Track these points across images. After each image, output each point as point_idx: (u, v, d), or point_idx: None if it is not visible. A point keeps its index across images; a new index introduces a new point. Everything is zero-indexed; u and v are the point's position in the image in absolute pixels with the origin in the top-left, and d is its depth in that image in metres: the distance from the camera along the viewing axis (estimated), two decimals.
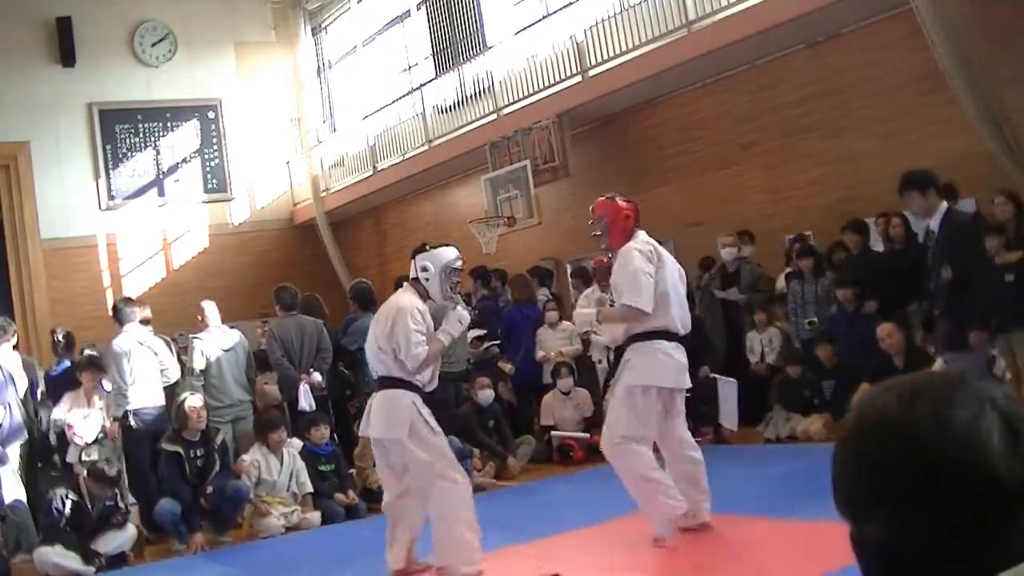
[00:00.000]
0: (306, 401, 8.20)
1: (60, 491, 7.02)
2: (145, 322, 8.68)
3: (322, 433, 7.83)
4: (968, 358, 5.59)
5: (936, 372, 1.04)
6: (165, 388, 8.23)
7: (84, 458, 7.63)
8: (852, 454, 1.00)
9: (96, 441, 7.87)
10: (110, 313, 8.24)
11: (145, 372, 7.90)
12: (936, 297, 5.93)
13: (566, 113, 11.15)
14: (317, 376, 8.32)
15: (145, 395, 7.87)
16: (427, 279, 5.26)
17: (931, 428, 0.94)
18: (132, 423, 7.76)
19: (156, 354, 8.05)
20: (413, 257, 5.42)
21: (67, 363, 8.70)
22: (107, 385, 8.06)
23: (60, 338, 8.90)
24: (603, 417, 6.03)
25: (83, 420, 7.78)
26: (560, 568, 4.80)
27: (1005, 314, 7.32)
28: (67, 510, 6.87)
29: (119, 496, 7.13)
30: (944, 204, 5.73)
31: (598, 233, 5.61)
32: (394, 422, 5.07)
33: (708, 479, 5.40)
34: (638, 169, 11.30)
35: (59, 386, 8.30)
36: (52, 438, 8.10)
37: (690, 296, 9.70)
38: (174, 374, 8.24)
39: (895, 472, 0.94)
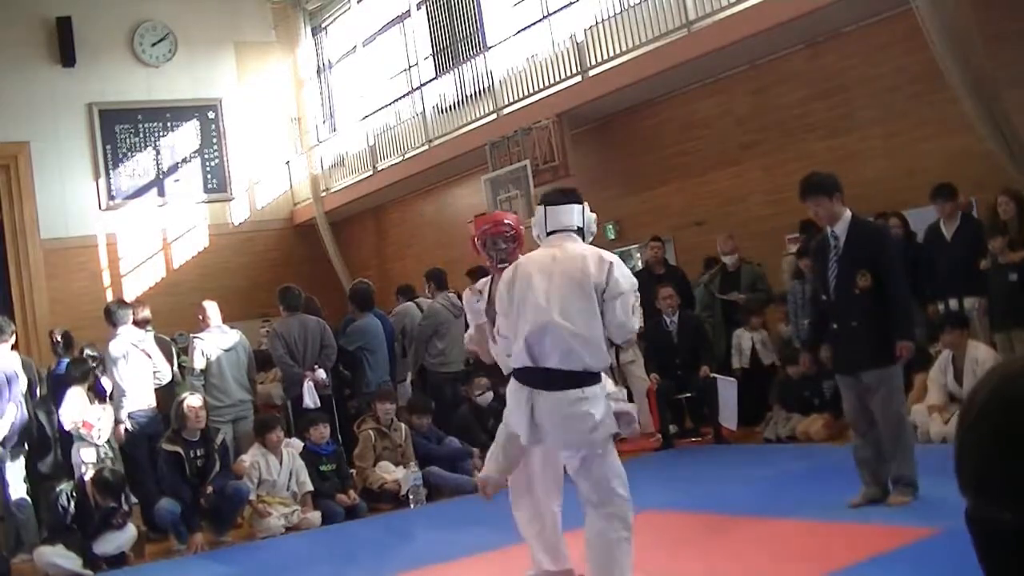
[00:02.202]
0: (311, 398, 8.21)
1: (66, 488, 7.03)
2: (145, 322, 8.68)
3: (322, 433, 7.83)
4: (892, 375, 5.25)
5: None
6: (163, 388, 8.25)
7: (84, 459, 7.62)
8: (989, 432, 0.92)
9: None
10: (103, 315, 8.21)
11: (139, 374, 7.92)
12: (844, 308, 5.41)
13: (566, 113, 11.15)
14: (321, 373, 8.34)
15: (138, 397, 7.88)
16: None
17: None
18: (127, 425, 7.77)
19: (149, 356, 8.06)
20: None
21: (67, 362, 8.72)
22: (106, 384, 8.06)
23: (59, 338, 8.90)
24: None
25: (98, 420, 7.79)
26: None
27: (1008, 313, 7.36)
28: (72, 508, 6.88)
29: (123, 499, 7.13)
30: (848, 212, 5.45)
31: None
32: None
33: (708, 479, 5.39)
34: (638, 169, 11.31)
35: (62, 384, 8.30)
36: (49, 435, 8.10)
37: (690, 296, 9.75)
38: (165, 376, 8.24)
39: (1004, 458, 0.88)
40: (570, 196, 4.20)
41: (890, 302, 5.27)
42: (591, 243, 4.21)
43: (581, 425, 3.83)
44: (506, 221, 4.78)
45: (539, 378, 3.87)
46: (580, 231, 4.12)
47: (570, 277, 3.88)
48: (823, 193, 5.42)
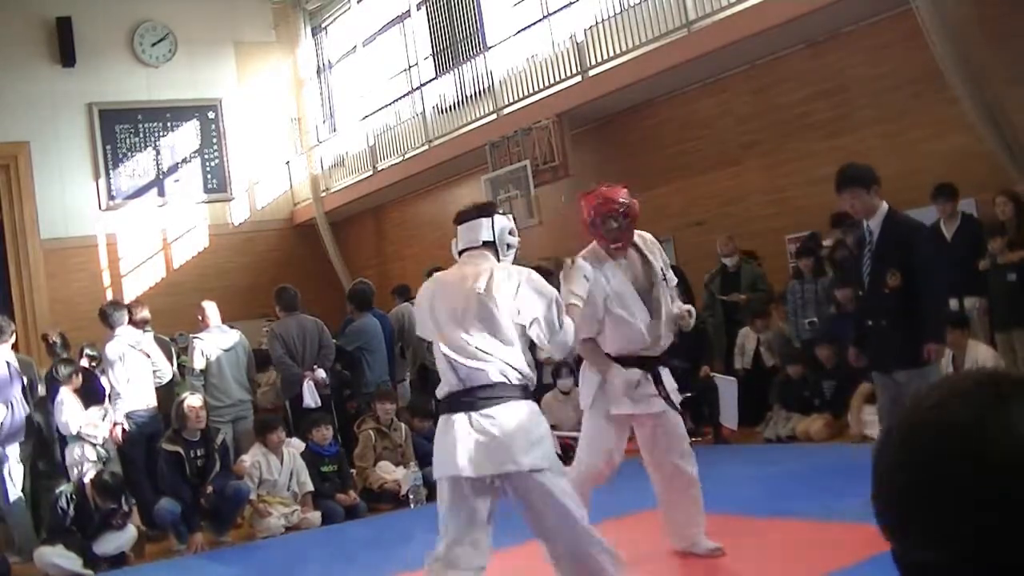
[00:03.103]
0: (311, 398, 8.21)
1: (65, 489, 7.04)
2: (144, 322, 8.68)
3: (324, 434, 7.83)
4: (923, 375, 4.96)
5: (986, 370, 0.91)
6: (163, 388, 8.25)
7: (79, 458, 7.62)
8: (901, 464, 0.86)
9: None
10: (99, 317, 8.21)
11: (138, 374, 7.92)
12: (875, 307, 5.28)
13: (566, 113, 11.15)
14: (321, 373, 8.35)
15: (137, 397, 7.89)
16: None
17: (999, 429, 0.82)
18: (125, 425, 7.78)
19: (148, 356, 8.06)
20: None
21: (55, 362, 8.73)
22: (106, 385, 8.07)
23: (56, 339, 8.89)
24: None
25: (102, 421, 7.80)
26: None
27: (1007, 313, 7.37)
28: (71, 509, 6.88)
29: (123, 500, 7.13)
30: (885, 204, 5.18)
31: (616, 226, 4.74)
32: None
33: (708, 479, 5.38)
34: (638, 169, 11.30)
35: (60, 385, 8.30)
36: (47, 436, 8.09)
37: (691, 296, 9.75)
38: (166, 375, 8.25)
39: (961, 484, 0.81)
40: (482, 210, 3.89)
41: (920, 302, 5.07)
42: (515, 253, 3.94)
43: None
44: (619, 199, 4.70)
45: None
46: (492, 245, 3.80)
47: (468, 299, 3.63)
48: (860, 185, 5.12)
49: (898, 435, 0.88)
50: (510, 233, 3.88)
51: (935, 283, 5.22)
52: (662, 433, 4.81)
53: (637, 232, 4.75)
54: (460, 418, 3.59)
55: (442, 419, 3.73)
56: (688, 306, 4.97)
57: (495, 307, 3.61)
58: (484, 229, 3.82)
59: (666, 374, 4.81)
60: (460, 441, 3.56)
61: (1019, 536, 0.80)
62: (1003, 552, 0.80)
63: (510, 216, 4.00)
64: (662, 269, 4.82)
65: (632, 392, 4.67)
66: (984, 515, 0.81)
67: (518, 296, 3.63)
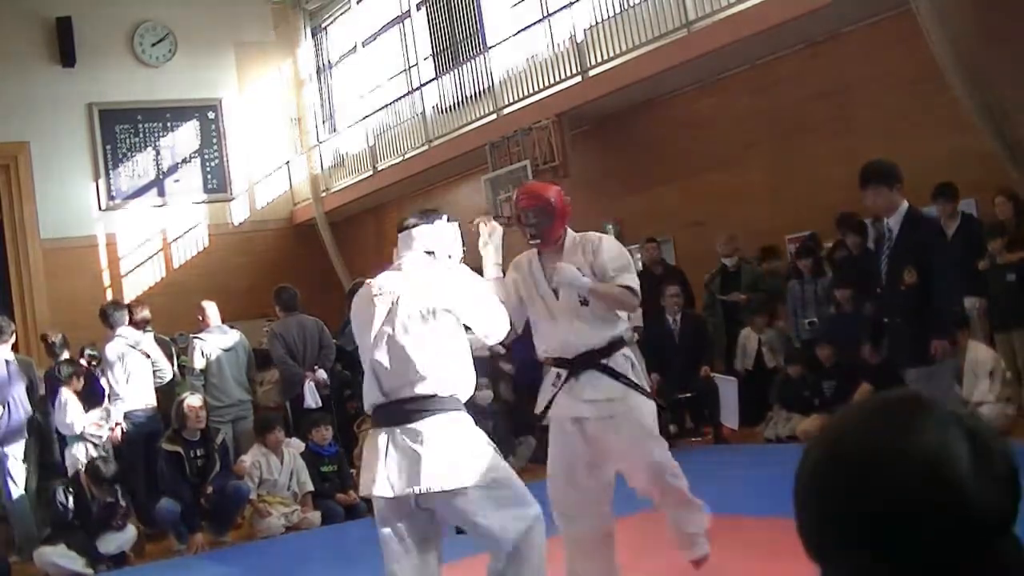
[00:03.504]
0: (312, 398, 8.22)
1: (62, 485, 7.04)
2: (144, 322, 8.69)
3: (323, 434, 7.84)
4: (934, 373, 4.96)
5: (901, 395, 0.94)
6: (163, 388, 8.26)
7: (79, 457, 7.63)
8: (813, 489, 0.92)
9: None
10: (99, 317, 8.21)
11: (137, 374, 7.92)
12: (891, 304, 5.28)
13: (566, 113, 11.15)
14: (322, 373, 8.35)
15: (136, 397, 7.89)
16: None
17: (895, 459, 0.86)
18: (124, 426, 7.78)
19: (148, 355, 8.06)
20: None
21: (58, 362, 8.73)
22: (105, 385, 8.07)
23: (56, 339, 8.89)
24: None
25: (105, 422, 7.80)
26: (561, 568, 4.79)
27: (1007, 313, 7.37)
28: (70, 502, 6.88)
29: (119, 493, 7.14)
30: (906, 203, 5.16)
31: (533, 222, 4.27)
32: None
33: (708, 479, 5.38)
34: (638, 169, 11.30)
35: (60, 385, 8.30)
36: (46, 436, 8.10)
37: (691, 296, 9.75)
38: (167, 375, 8.25)
39: (860, 510, 0.86)
40: (423, 216, 3.80)
41: (931, 300, 5.08)
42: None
43: None
44: (540, 193, 4.30)
45: None
46: (432, 253, 3.72)
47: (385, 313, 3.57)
48: (883, 182, 5.07)
49: (814, 464, 0.94)
50: (449, 237, 3.75)
51: (945, 281, 5.22)
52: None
53: (586, 235, 4.30)
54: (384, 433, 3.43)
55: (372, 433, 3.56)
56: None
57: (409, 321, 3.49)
58: (424, 237, 3.74)
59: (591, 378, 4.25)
60: (380, 459, 3.38)
61: (904, 544, 0.84)
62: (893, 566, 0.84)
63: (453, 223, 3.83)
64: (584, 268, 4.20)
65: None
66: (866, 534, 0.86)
67: (441, 299, 3.52)
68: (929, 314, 5.04)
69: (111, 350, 7.90)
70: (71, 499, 6.92)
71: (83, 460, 7.48)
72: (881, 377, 7.82)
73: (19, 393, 7.57)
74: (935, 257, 5.11)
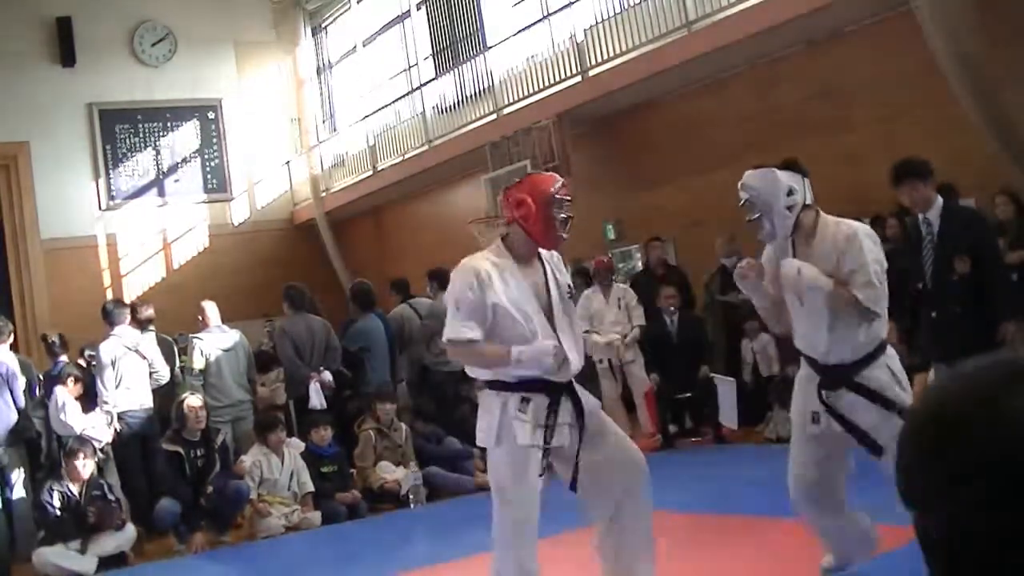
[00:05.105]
0: (317, 399, 8.21)
1: (47, 486, 7.02)
2: (148, 321, 8.68)
3: (323, 435, 7.83)
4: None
5: (1003, 359, 0.99)
6: (164, 388, 8.25)
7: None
8: (910, 445, 0.97)
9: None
10: (101, 315, 8.22)
11: (133, 375, 7.91)
12: (942, 296, 5.29)
13: (566, 113, 11.15)
14: (328, 375, 8.34)
15: (132, 398, 7.88)
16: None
17: (988, 423, 0.91)
18: (118, 427, 7.78)
19: (144, 356, 8.05)
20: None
21: (65, 359, 8.74)
22: (100, 387, 8.07)
23: (55, 339, 8.90)
24: None
25: (107, 426, 7.80)
26: (561, 568, 4.79)
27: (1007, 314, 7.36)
28: (55, 500, 6.85)
29: (107, 488, 7.13)
30: (940, 198, 5.28)
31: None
32: None
33: (708, 479, 5.38)
34: (638, 169, 11.30)
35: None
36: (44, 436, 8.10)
37: (690, 296, 9.75)
38: (164, 376, 8.24)
39: (948, 469, 0.92)
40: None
41: (991, 285, 5.14)
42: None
43: None
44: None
45: None
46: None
47: None
48: (918, 178, 5.17)
49: (913, 423, 0.99)
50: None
51: (1002, 266, 5.33)
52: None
53: None
54: None
55: None
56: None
57: None
58: None
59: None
60: None
61: (1007, 507, 0.88)
62: (988, 521, 0.89)
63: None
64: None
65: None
66: (974, 485, 0.90)
67: None
68: (992, 300, 5.08)
69: (105, 352, 7.88)
70: (55, 497, 6.89)
71: (92, 467, 7.45)
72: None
73: (15, 393, 7.57)
74: (986, 244, 5.20)
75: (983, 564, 0.90)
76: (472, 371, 3.91)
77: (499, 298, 3.61)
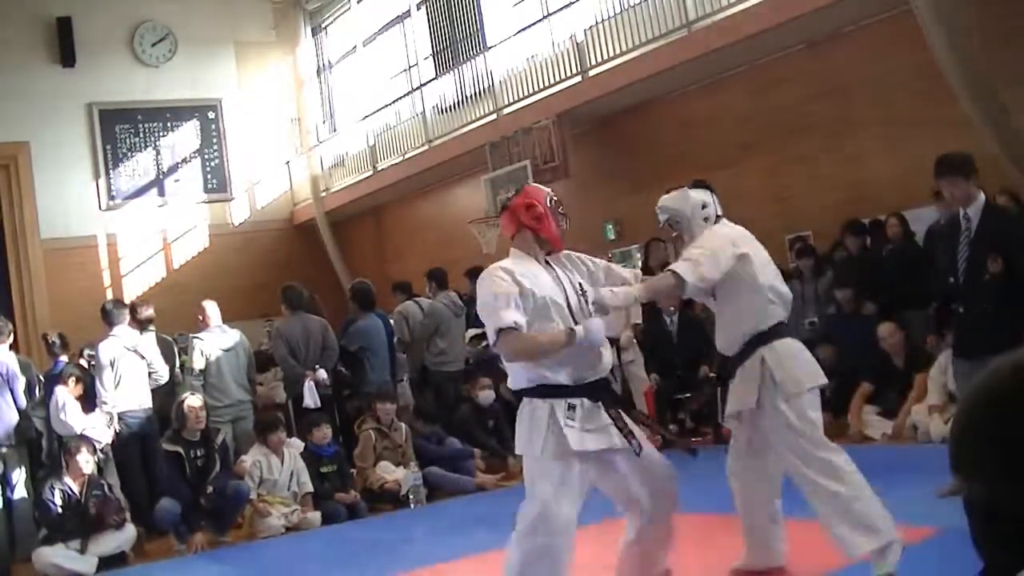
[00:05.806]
0: (311, 398, 8.22)
1: (48, 485, 7.03)
2: (148, 321, 8.69)
3: (323, 434, 7.84)
4: None
5: None
6: (164, 388, 8.25)
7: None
8: (962, 418, 1.07)
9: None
10: (100, 315, 8.22)
11: (131, 375, 7.91)
12: (974, 293, 5.25)
13: (566, 113, 11.15)
14: (322, 373, 8.35)
15: (131, 398, 7.88)
16: None
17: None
18: (117, 427, 7.78)
19: (143, 357, 8.05)
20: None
21: (65, 359, 8.75)
22: (99, 388, 8.08)
23: (54, 339, 8.90)
24: None
25: (107, 427, 7.80)
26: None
27: None
28: (56, 497, 6.86)
29: (107, 487, 7.14)
30: (982, 195, 5.19)
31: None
32: None
33: (708, 479, 5.38)
34: (638, 169, 11.30)
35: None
36: (44, 436, 8.10)
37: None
38: (163, 376, 8.24)
39: (994, 442, 1.01)
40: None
41: (1020, 285, 5.08)
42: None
43: None
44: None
45: None
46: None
47: None
48: (960, 174, 5.13)
49: (967, 398, 1.09)
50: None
51: None
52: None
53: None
54: None
55: None
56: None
57: None
58: None
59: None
60: None
61: None
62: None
63: None
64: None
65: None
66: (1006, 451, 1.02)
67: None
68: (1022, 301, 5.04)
69: (103, 352, 7.89)
70: (56, 495, 6.90)
71: (92, 463, 7.46)
72: (879, 377, 7.84)
73: (16, 393, 7.57)
74: (1021, 246, 5.12)
75: (1019, 524, 1.01)
76: (513, 378, 3.81)
77: (534, 288, 3.66)
